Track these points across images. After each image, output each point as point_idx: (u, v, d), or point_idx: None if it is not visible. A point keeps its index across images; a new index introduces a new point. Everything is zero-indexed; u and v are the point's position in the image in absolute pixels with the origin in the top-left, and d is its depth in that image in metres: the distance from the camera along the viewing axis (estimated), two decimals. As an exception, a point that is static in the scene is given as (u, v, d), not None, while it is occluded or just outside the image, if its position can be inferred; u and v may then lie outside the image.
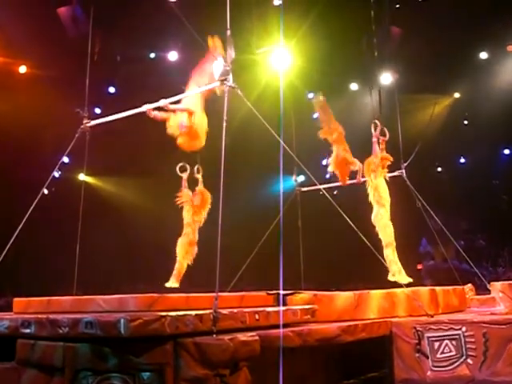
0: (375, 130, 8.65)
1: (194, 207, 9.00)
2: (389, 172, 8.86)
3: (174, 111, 7.70)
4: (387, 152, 8.67)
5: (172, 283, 8.85)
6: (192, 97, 7.77)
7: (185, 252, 8.89)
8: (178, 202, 9.11)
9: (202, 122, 7.79)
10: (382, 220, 8.14)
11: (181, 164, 9.17)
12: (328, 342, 6.08)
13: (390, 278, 8.02)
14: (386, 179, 8.46)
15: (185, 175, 9.20)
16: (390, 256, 8.05)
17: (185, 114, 7.66)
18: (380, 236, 8.10)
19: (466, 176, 17.60)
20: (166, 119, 7.76)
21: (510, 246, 16.82)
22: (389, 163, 8.52)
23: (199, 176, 9.31)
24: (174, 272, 8.89)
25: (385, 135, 8.64)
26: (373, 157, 8.53)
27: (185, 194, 9.13)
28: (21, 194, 11.04)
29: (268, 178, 15.56)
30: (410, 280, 7.90)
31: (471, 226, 17.47)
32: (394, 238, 8.19)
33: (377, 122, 8.75)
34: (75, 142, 7.82)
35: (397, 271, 7.99)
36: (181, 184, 9.24)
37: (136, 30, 13.83)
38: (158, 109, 7.61)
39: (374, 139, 8.59)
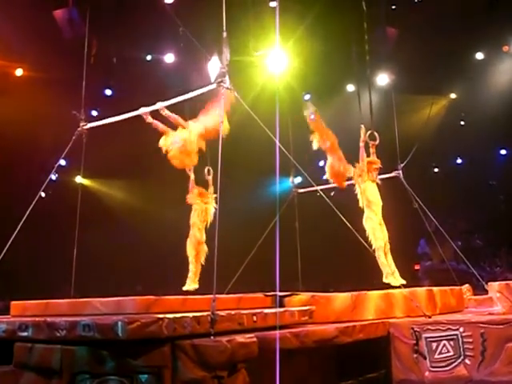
0: (362, 134, 8.61)
1: (200, 207, 8.94)
2: (385, 173, 8.86)
3: (168, 119, 7.79)
4: (380, 155, 8.66)
5: (189, 286, 8.73)
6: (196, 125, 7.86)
7: (195, 253, 8.84)
8: (189, 201, 9.04)
9: (194, 142, 7.83)
10: (372, 224, 8.14)
11: (207, 168, 9.12)
12: (326, 343, 6.09)
13: (385, 280, 8.06)
14: (377, 182, 8.44)
15: (193, 175, 9.14)
16: (382, 259, 8.06)
17: (182, 134, 7.75)
18: (370, 239, 8.09)
19: (463, 176, 17.63)
20: (164, 132, 7.87)
21: (507, 246, 16.86)
22: (376, 167, 8.47)
23: (209, 178, 9.25)
24: (190, 274, 8.82)
25: (375, 139, 8.62)
26: (362, 162, 8.51)
27: (194, 193, 9.07)
28: (18, 197, 11.03)
29: (265, 180, 15.57)
30: (403, 282, 7.91)
31: (468, 226, 17.50)
32: (386, 241, 8.17)
33: (362, 126, 8.70)
34: (72, 145, 7.83)
35: (389, 273, 8.00)
36: (188, 184, 9.18)
37: (133, 32, 13.84)
38: (156, 114, 7.65)
39: (361, 144, 8.56)
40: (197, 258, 8.83)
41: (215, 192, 9.08)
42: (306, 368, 6.20)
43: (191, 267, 8.85)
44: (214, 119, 7.58)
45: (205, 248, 8.82)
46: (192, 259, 8.84)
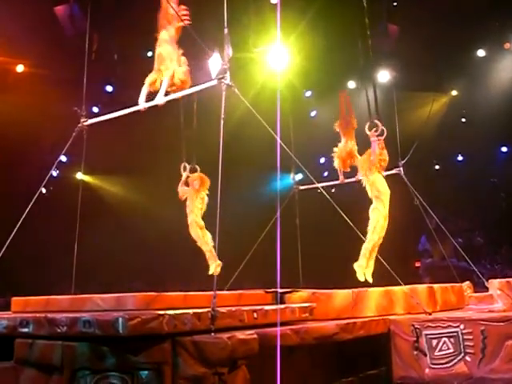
0: (374, 130, 8.53)
1: (195, 194, 8.90)
2: (386, 170, 8.84)
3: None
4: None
5: (213, 266, 8.61)
6: (166, 43, 7.74)
7: (201, 236, 8.79)
8: (182, 197, 9.00)
9: (182, 71, 7.68)
10: (377, 216, 8.11)
11: (183, 164, 9.09)
12: (326, 340, 6.09)
13: (355, 266, 8.02)
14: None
15: (185, 174, 9.11)
16: (365, 251, 8.02)
17: (167, 73, 7.61)
18: (368, 228, 8.04)
19: (464, 174, 17.62)
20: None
21: (508, 244, 16.86)
22: (383, 164, 8.45)
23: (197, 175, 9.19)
24: (207, 255, 8.73)
25: (382, 135, 8.58)
26: (368, 155, 8.46)
27: (186, 187, 9.02)
28: (19, 193, 11.03)
29: (266, 177, 15.59)
30: (369, 281, 7.88)
31: (469, 223, 17.50)
32: (380, 236, 8.12)
33: (378, 122, 8.59)
34: (73, 141, 7.81)
35: (362, 266, 7.97)
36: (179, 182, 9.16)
37: (133, 29, 13.82)
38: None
39: (374, 139, 8.49)
40: (205, 243, 8.77)
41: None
42: (306, 365, 6.21)
43: (204, 248, 8.77)
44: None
45: (207, 232, 8.77)
46: (201, 242, 8.80)
